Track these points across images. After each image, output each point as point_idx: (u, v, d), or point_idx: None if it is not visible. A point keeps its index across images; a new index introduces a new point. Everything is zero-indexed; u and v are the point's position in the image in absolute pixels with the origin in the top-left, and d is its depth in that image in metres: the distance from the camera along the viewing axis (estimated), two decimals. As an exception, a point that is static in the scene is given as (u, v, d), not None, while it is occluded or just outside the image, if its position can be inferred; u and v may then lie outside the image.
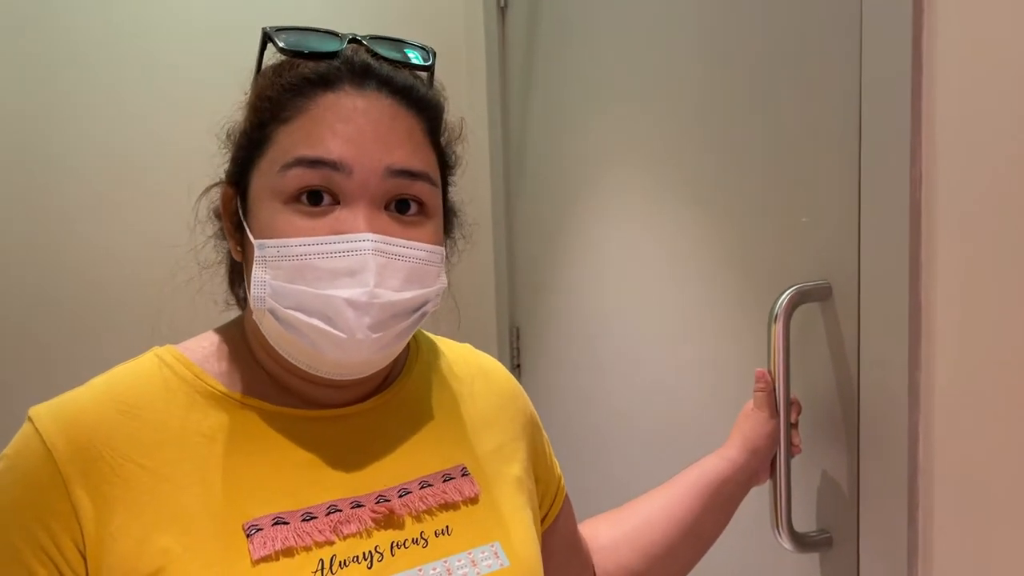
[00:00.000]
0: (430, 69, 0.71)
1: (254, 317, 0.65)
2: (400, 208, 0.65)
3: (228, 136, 0.70)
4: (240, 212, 0.67)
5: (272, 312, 0.63)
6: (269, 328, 0.64)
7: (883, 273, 0.79)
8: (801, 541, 0.88)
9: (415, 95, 0.67)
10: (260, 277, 0.62)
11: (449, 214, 0.74)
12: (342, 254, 0.61)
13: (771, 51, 0.96)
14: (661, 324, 1.24)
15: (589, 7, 1.39)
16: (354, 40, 0.67)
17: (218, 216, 0.71)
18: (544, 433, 0.85)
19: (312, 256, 0.61)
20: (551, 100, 1.56)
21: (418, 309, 0.66)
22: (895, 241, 0.78)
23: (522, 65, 1.67)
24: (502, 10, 1.74)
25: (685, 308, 1.17)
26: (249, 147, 0.66)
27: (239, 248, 0.68)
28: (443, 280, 0.68)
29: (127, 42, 1.52)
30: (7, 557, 0.58)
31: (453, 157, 0.73)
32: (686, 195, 1.15)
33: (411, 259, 0.64)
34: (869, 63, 0.80)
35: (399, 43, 0.70)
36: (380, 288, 0.62)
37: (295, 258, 0.61)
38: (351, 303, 0.61)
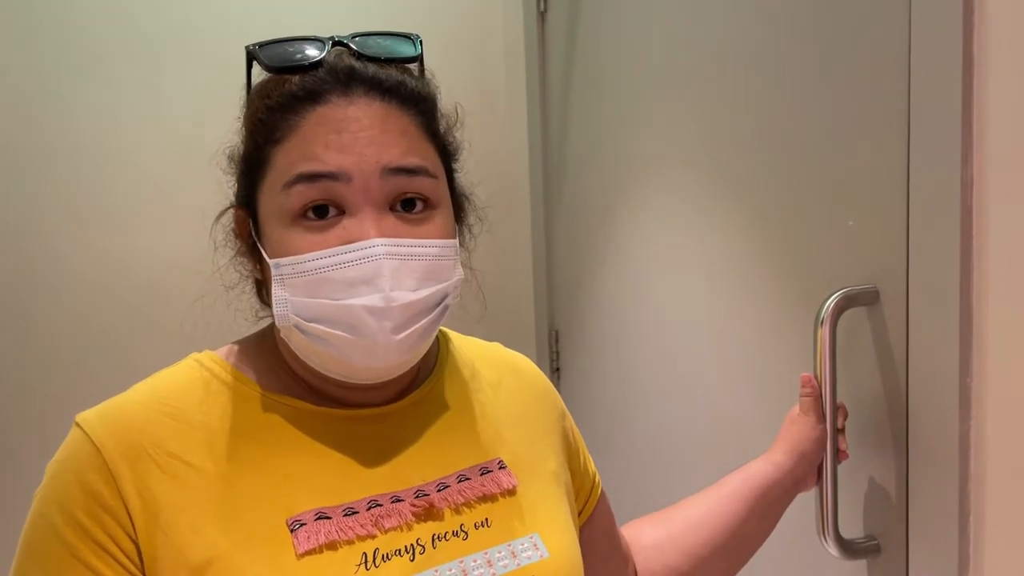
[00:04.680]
0: (418, 59, 0.71)
1: (282, 335, 0.67)
2: (405, 206, 0.65)
3: (230, 159, 0.71)
4: (254, 233, 0.68)
5: (297, 327, 0.64)
6: (298, 343, 0.66)
7: (933, 277, 0.78)
8: (848, 548, 0.88)
9: (404, 91, 0.67)
10: (280, 295, 0.64)
11: (459, 199, 0.74)
12: (355, 263, 0.62)
13: (817, 51, 0.96)
14: (703, 327, 1.23)
15: (629, 10, 1.39)
16: (338, 43, 0.67)
17: (236, 236, 0.73)
18: (576, 429, 0.86)
19: (326, 269, 0.62)
20: (591, 102, 1.56)
21: (438, 304, 0.67)
22: (945, 245, 0.76)
23: (562, 68, 1.68)
24: (542, 14, 1.75)
25: (728, 311, 1.16)
26: (250, 170, 0.67)
27: (258, 266, 0.70)
28: (459, 272, 0.69)
29: (162, 56, 1.55)
30: (64, 554, 0.60)
31: (453, 144, 0.73)
32: (729, 197, 1.15)
33: (424, 257, 0.64)
34: (918, 62, 0.79)
35: (385, 36, 0.69)
36: (396, 291, 0.62)
37: (310, 273, 0.62)
38: (369, 310, 0.62)
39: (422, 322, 0.65)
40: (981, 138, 0.74)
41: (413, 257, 0.64)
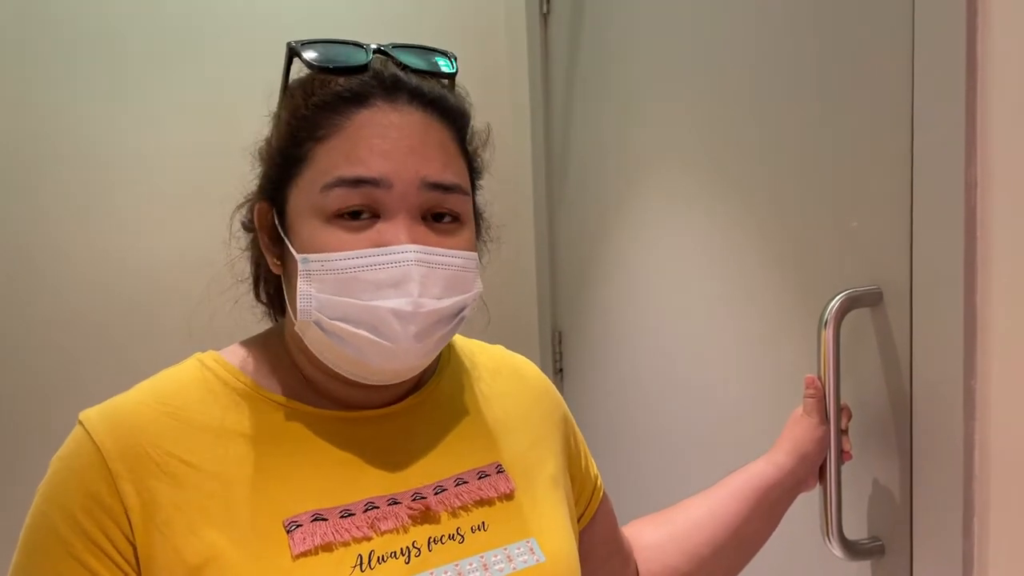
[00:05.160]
0: (454, 76, 0.72)
1: (297, 329, 0.67)
2: (436, 218, 0.67)
3: (259, 153, 0.72)
4: (279, 227, 0.69)
5: (318, 323, 0.64)
6: (313, 339, 0.66)
7: (937, 278, 0.78)
8: (852, 549, 0.87)
9: (445, 106, 0.69)
10: (306, 290, 0.64)
11: (477, 218, 0.75)
12: (385, 266, 0.63)
13: (819, 52, 0.96)
14: (706, 328, 1.23)
15: (631, 12, 1.39)
16: (379, 51, 0.68)
17: (248, 229, 0.74)
18: (579, 432, 0.86)
19: (357, 269, 0.63)
20: (593, 105, 1.56)
21: (457, 314, 0.68)
22: (950, 246, 0.76)
23: (564, 70, 1.68)
24: (544, 16, 1.75)
25: (732, 313, 1.16)
26: (285, 165, 0.68)
27: (278, 261, 0.70)
28: (479, 285, 0.70)
29: (165, 56, 1.56)
30: (61, 552, 0.60)
31: (480, 163, 0.75)
32: (732, 199, 1.15)
33: (450, 267, 0.66)
34: (922, 63, 0.79)
35: (423, 51, 0.71)
36: (423, 297, 0.64)
37: (340, 271, 0.63)
38: (397, 313, 0.63)
39: (442, 331, 0.66)
40: (985, 139, 0.74)
41: (440, 266, 0.65)
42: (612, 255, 1.51)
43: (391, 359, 0.65)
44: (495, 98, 1.79)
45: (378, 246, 0.64)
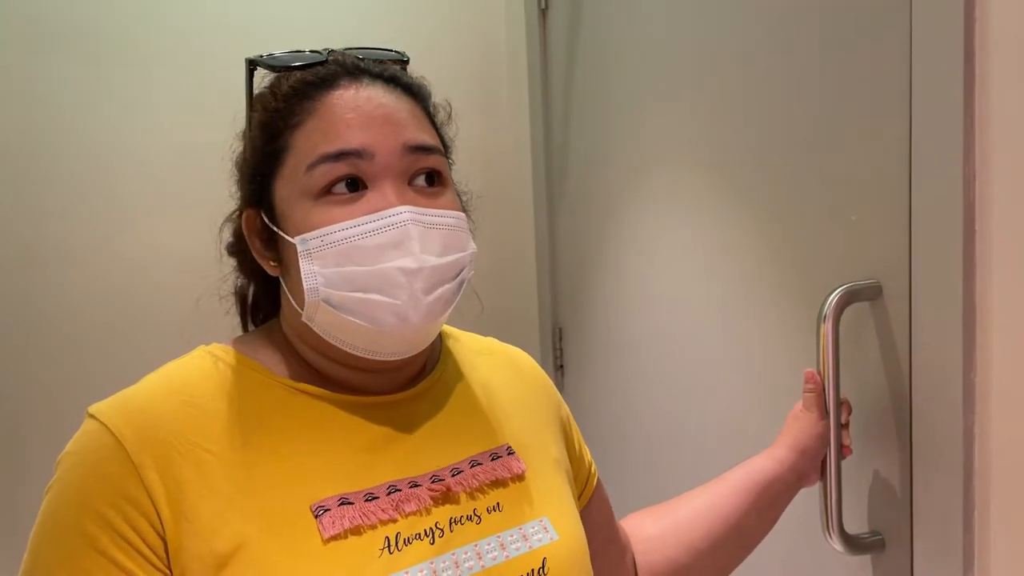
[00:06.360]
0: (407, 63, 0.76)
1: (305, 317, 0.67)
2: (421, 181, 0.69)
3: (235, 167, 0.73)
4: (270, 224, 0.69)
5: (327, 300, 0.65)
6: (324, 320, 0.67)
7: (936, 272, 0.78)
8: (852, 543, 0.88)
9: (405, 82, 0.72)
10: (309, 270, 0.65)
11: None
12: (384, 229, 0.64)
13: (817, 46, 0.96)
14: (707, 324, 1.23)
15: (630, 8, 1.39)
16: (333, 51, 0.72)
17: (232, 253, 0.75)
18: (572, 418, 0.88)
19: (355, 238, 0.64)
20: (593, 101, 1.56)
21: (457, 275, 0.69)
22: (948, 239, 0.76)
23: (563, 66, 1.68)
24: (543, 12, 1.75)
25: (732, 309, 1.16)
26: (265, 162, 0.69)
27: (274, 263, 0.71)
28: (472, 245, 0.72)
29: (167, 56, 1.56)
30: (84, 545, 0.59)
31: (447, 138, 0.77)
32: (731, 194, 1.15)
33: (443, 226, 0.68)
34: (919, 56, 0.79)
35: (375, 49, 0.75)
36: (425, 255, 0.65)
37: (339, 243, 0.64)
38: (404, 271, 0.64)
39: (447, 287, 0.67)
40: (983, 132, 0.74)
41: (435, 226, 0.67)
42: (612, 251, 1.51)
43: (404, 321, 0.65)
44: (495, 94, 1.79)
45: (372, 212, 0.65)
